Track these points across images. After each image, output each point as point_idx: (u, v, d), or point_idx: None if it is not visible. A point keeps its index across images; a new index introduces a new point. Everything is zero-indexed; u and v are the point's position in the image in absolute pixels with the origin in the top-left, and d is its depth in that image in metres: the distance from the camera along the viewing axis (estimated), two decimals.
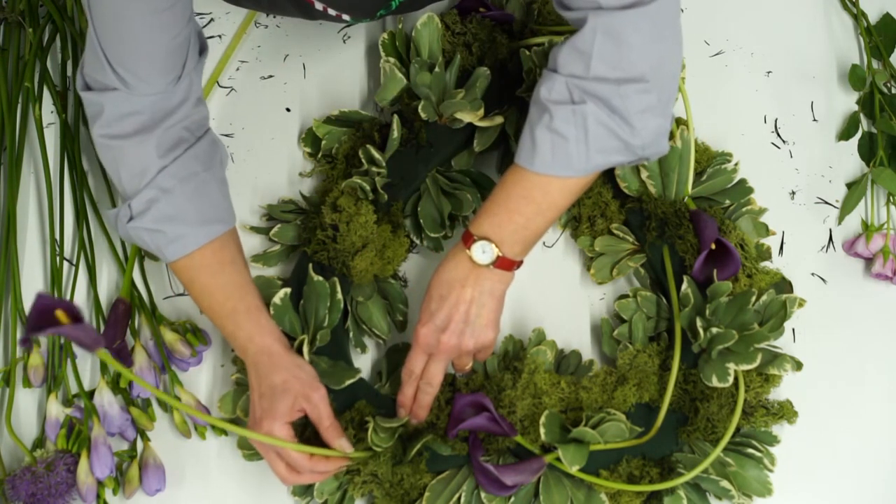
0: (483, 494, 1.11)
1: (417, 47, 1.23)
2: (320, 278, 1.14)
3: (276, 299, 1.14)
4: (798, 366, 1.15)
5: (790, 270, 1.23)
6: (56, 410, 1.15)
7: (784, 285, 1.19)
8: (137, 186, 1.05)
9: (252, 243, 1.24)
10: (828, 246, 1.28)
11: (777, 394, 1.19)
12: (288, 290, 1.14)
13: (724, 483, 1.13)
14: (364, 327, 1.20)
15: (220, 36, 1.30)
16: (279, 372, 1.07)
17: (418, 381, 1.11)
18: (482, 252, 1.06)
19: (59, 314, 0.81)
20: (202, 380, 1.20)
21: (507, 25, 1.26)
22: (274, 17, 1.30)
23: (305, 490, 1.14)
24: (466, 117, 1.19)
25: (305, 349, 1.12)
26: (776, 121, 1.32)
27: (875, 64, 1.33)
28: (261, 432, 1.05)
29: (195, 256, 1.08)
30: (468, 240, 1.07)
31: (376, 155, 1.18)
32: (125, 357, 1.15)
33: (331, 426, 1.07)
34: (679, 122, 1.22)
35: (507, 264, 1.07)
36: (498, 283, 1.08)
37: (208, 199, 1.09)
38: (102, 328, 1.18)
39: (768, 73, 1.33)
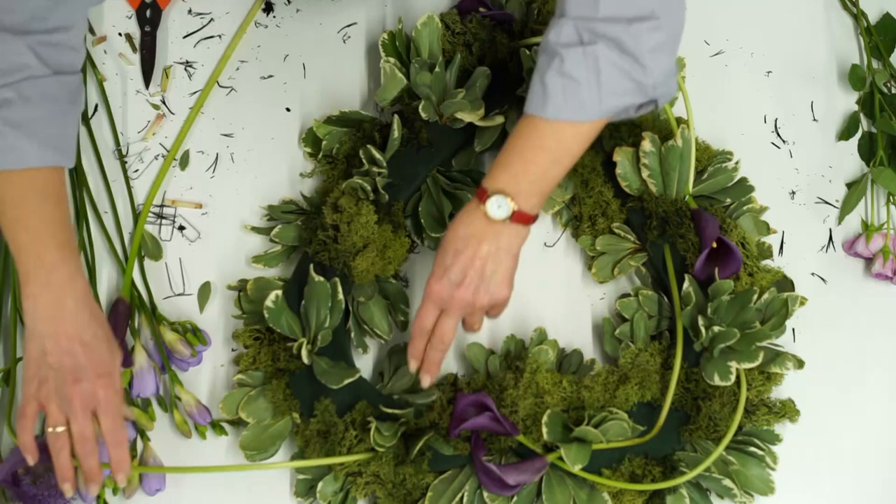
0: (486, 494, 1.10)
1: (417, 47, 1.23)
2: (321, 279, 1.14)
3: (269, 302, 1.13)
4: (800, 364, 1.15)
5: (790, 270, 1.24)
6: None
7: (785, 283, 1.19)
8: None
9: (253, 244, 1.24)
10: (828, 246, 1.29)
11: (778, 392, 1.19)
12: (279, 291, 1.14)
13: (727, 482, 1.13)
14: (365, 327, 1.19)
15: (220, 36, 1.29)
16: (101, 324, 1.05)
17: (429, 337, 1.09)
18: (497, 207, 1.04)
19: None
20: (202, 380, 1.19)
21: (507, 25, 1.26)
22: (274, 16, 1.30)
23: (308, 491, 1.13)
24: (467, 117, 1.19)
25: (305, 351, 1.12)
26: (776, 121, 1.32)
27: (875, 64, 1.34)
28: (100, 384, 1.03)
29: (29, 176, 1.02)
30: (482, 195, 1.05)
31: (377, 155, 1.17)
32: (125, 357, 1.14)
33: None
34: (680, 120, 1.23)
35: (523, 218, 1.05)
36: (515, 239, 1.06)
37: (62, 129, 1.05)
38: None
39: (768, 73, 1.33)
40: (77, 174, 1.23)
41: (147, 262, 1.22)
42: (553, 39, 1.02)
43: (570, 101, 1.01)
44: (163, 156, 1.25)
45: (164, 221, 1.23)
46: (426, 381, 1.10)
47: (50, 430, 1.03)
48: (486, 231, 1.05)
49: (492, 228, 1.05)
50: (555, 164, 1.04)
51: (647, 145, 1.19)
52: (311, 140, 1.25)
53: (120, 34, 1.28)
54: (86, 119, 1.24)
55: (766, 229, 1.23)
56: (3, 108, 1.01)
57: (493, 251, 1.05)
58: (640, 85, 1.02)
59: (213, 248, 1.23)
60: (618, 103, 1.03)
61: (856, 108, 1.33)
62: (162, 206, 1.24)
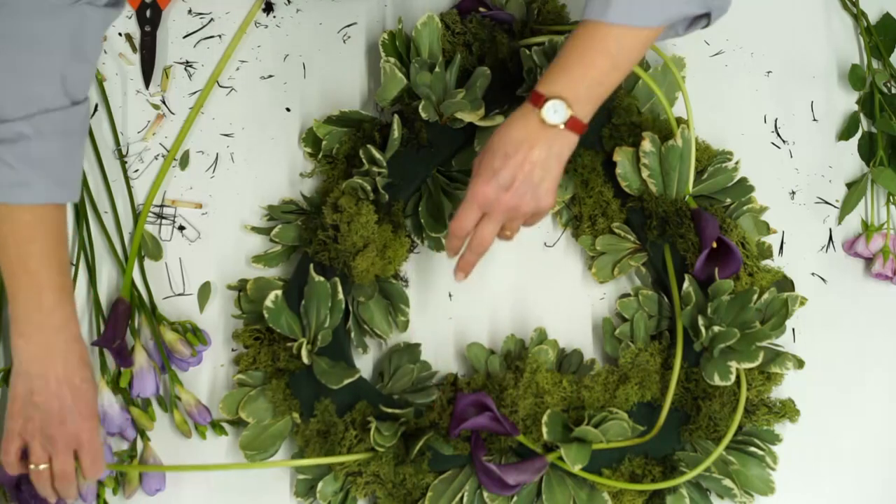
0: (485, 494, 1.10)
1: (417, 47, 1.23)
2: (321, 279, 1.14)
3: (269, 302, 1.13)
4: (800, 364, 1.15)
5: (790, 270, 1.24)
6: None
7: (785, 283, 1.19)
8: (16, 113, 0.99)
9: (253, 244, 1.24)
10: (828, 246, 1.29)
11: (778, 392, 1.19)
12: (279, 291, 1.14)
13: (727, 482, 1.13)
14: (365, 327, 1.19)
15: (220, 36, 1.29)
16: (89, 367, 1.06)
17: (467, 239, 1.08)
18: (554, 112, 1.02)
19: None
20: (202, 380, 1.19)
21: (507, 25, 1.26)
22: (274, 16, 1.30)
23: (308, 491, 1.13)
24: (467, 117, 1.19)
25: (305, 351, 1.12)
26: (776, 121, 1.32)
27: (875, 64, 1.34)
28: (85, 427, 1.04)
29: (34, 213, 1.02)
30: (538, 99, 1.03)
31: (377, 155, 1.17)
32: (125, 357, 1.14)
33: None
34: (680, 120, 1.22)
35: (577, 126, 1.03)
36: (565, 147, 1.05)
37: (72, 164, 1.05)
38: (103, 328, 1.17)
39: (768, 73, 1.33)
40: None
41: (147, 262, 1.22)
42: None
43: (635, 4, 1.00)
44: (163, 156, 1.25)
45: (164, 221, 1.23)
46: (460, 278, 1.10)
47: (32, 467, 1.04)
48: (539, 136, 1.03)
49: (545, 133, 1.03)
50: (614, 70, 1.03)
51: (647, 145, 1.19)
52: (311, 140, 1.25)
53: (120, 34, 1.28)
54: None
55: (766, 229, 1.23)
56: (18, 142, 1.00)
57: (544, 157, 1.03)
58: None
59: (213, 248, 1.23)
60: (679, 11, 1.02)
61: (856, 108, 1.33)
62: (162, 206, 1.24)
